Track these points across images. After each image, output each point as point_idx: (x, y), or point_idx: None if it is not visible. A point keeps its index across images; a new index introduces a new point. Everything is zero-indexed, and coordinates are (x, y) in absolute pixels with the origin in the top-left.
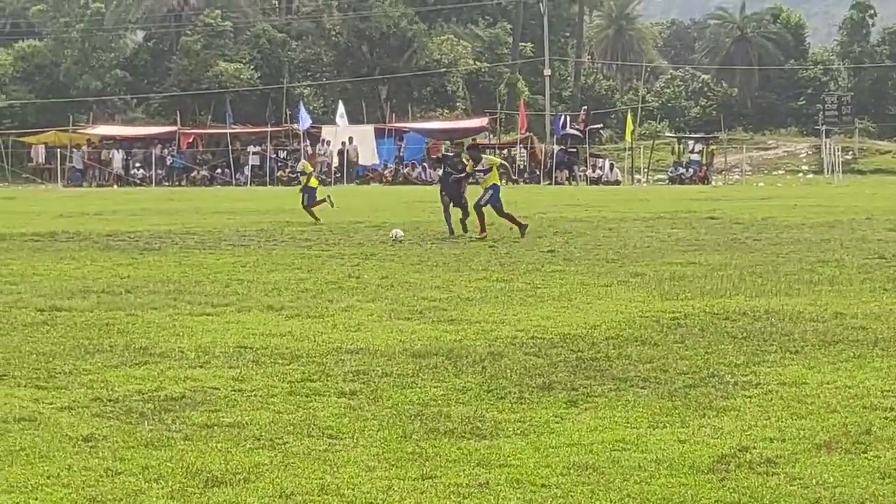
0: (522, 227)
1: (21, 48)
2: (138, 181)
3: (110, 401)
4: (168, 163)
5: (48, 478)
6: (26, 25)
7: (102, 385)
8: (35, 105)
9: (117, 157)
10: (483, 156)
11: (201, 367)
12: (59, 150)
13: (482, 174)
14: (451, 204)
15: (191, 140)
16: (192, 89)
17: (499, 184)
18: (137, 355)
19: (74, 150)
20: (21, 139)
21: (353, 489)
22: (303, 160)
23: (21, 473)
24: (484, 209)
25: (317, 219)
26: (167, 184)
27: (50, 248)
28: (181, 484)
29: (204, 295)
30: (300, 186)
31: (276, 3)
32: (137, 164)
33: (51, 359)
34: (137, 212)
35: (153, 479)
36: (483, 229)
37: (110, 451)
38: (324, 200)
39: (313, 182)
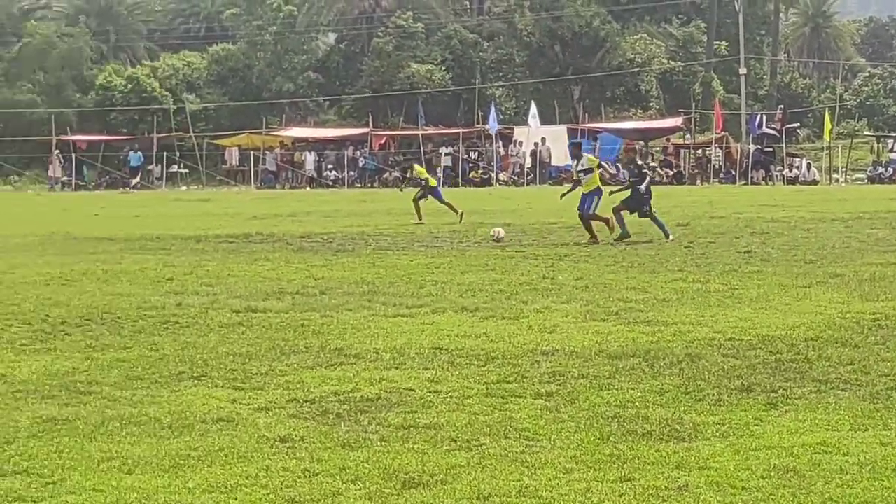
0: (593, 240)
1: (215, 52)
2: (330, 183)
3: (306, 402)
4: (360, 164)
5: (247, 478)
6: (220, 29)
7: (298, 386)
8: (229, 108)
9: (310, 158)
10: (584, 154)
11: (396, 368)
12: (252, 152)
13: (584, 174)
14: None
15: (383, 141)
16: (383, 91)
17: (602, 188)
18: (333, 356)
19: (267, 152)
20: (215, 142)
21: (550, 491)
22: (415, 165)
23: (220, 474)
24: (612, 209)
25: (420, 218)
26: (359, 185)
27: (244, 249)
28: (378, 485)
29: (398, 296)
30: (420, 192)
31: (468, 3)
32: (330, 166)
33: (247, 360)
34: (330, 213)
35: (350, 481)
36: (623, 232)
37: (307, 451)
38: (457, 211)
39: (433, 181)
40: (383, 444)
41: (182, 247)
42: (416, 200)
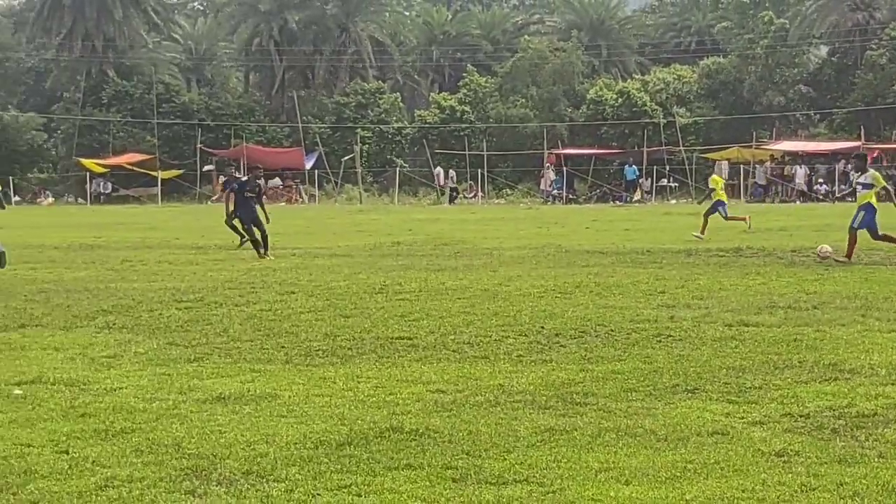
0: (847, 258)
1: (706, 65)
2: (821, 197)
3: (801, 416)
4: (851, 178)
5: (743, 492)
6: (710, 43)
7: (793, 400)
8: (718, 121)
9: (800, 172)
10: (869, 169)
11: (893, 384)
12: (741, 165)
13: (861, 187)
14: None
15: (875, 155)
16: (876, 104)
17: (874, 205)
18: (827, 371)
19: (757, 165)
20: (705, 156)
21: None
22: (714, 174)
23: (717, 487)
24: (858, 232)
25: (701, 231)
26: (850, 200)
27: (735, 263)
28: (877, 502)
29: (893, 311)
30: (712, 203)
31: None
32: (820, 180)
33: (741, 373)
34: (821, 227)
35: (849, 496)
36: (849, 254)
37: (804, 466)
38: (742, 219)
39: (722, 196)
40: (881, 460)
41: (672, 260)
42: (705, 215)
